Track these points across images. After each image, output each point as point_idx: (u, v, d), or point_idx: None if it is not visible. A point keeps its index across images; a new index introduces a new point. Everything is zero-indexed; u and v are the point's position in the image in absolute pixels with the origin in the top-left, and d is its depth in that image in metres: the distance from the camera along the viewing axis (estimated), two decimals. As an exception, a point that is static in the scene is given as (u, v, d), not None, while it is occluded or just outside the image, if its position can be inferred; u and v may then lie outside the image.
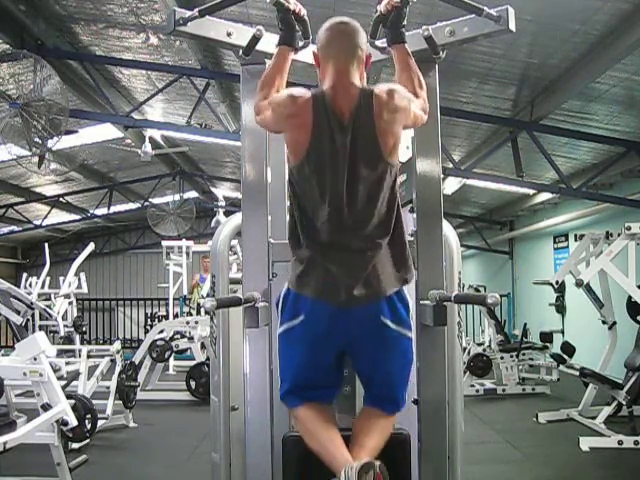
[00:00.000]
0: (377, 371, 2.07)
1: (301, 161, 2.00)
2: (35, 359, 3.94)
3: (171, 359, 8.68)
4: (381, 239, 2.02)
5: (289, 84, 2.18)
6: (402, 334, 2.04)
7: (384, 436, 2.06)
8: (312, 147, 1.97)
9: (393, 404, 2.10)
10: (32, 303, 7.59)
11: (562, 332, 9.16)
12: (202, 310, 7.64)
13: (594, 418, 5.74)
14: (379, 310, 2.00)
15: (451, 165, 7.25)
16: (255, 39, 2.24)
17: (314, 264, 2.01)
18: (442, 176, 2.40)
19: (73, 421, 3.89)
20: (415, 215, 2.34)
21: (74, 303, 10.56)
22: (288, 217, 2.11)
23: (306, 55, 2.42)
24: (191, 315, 9.38)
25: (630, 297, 6.01)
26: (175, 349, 7.82)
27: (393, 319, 2.02)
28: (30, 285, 10.38)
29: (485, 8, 2.18)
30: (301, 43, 2.29)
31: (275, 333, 2.15)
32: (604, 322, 6.53)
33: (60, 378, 4.82)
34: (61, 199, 12.11)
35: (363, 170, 1.97)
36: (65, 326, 9.73)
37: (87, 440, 5.02)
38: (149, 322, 13.08)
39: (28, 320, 8.39)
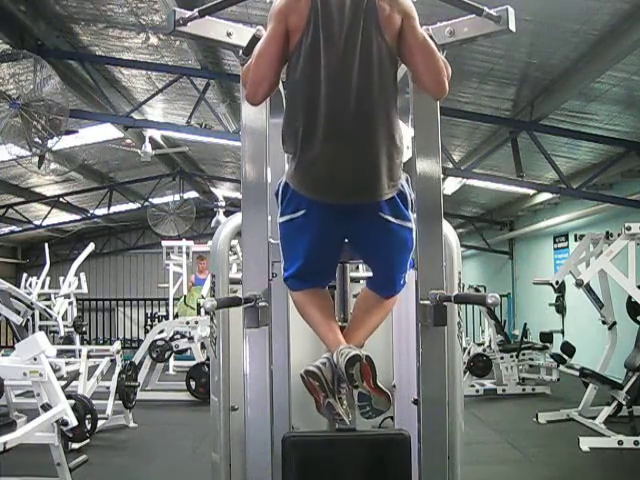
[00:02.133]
0: (375, 258, 2.14)
1: (301, 37, 1.94)
2: (35, 359, 3.94)
3: (171, 359, 8.69)
4: (379, 130, 1.97)
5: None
6: (402, 226, 2.07)
7: (381, 317, 2.18)
8: (312, 17, 1.91)
9: (390, 289, 2.16)
10: (32, 303, 7.61)
11: (562, 332, 9.17)
12: (202, 310, 7.63)
13: (594, 418, 5.74)
14: (378, 207, 2.02)
15: (451, 165, 7.25)
16: (255, 39, 2.24)
17: (311, 160, 1.98)
18: (442, 176, 2.40)
19: (73, 421, 3.89)
20: (415, 215, 2.34)
21: (74, 303, 10.56)
22: (285, 112, 2.06)
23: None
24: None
25: (630, 297, 6.01)
26: (175, 349, 7.83)
27: (393, 214, 2.03)
28: (30, 285, 10.39)
29: (485, 8, 2.18)
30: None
31: (277, 222, 2.16)
32: (604, 322, 6.53)
33: (60, 378, 4.82)
34: (61, 199, 12.11)
35: (361, 48, 1.91)
36: (65, 326, 9.73)
37: (87, 440, 5.03)
38: (149, 322, 13.09)
39: (28, 320, 8.41)
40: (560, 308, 9.91)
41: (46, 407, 3.88)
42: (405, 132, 2.37)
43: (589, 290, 6.45)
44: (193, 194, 13.48)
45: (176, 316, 9.74)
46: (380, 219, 2.03)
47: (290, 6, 1.97)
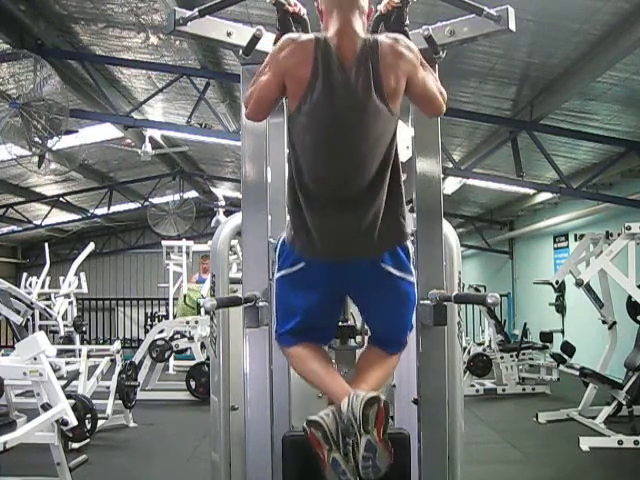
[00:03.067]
0: (378, 316, 2.10)
1: (300, 101, 1.94)
2: (35, 359, 3.94)
3: (171, 359, 8.69)
4: (379, 191, 1.97)
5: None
6: (404, 279, 2.04)
7: (386, 373, 2.12)
8: (312, 83, 1.92)
9: (395, 345, 2.12)
10: (32, 303, 7.61)
11: (562, 332, 9.18)
12: (202, 310, 7.62)
13: (594, 418, 5.74)
14: (380, 259, 1.99)
15: (451, 165, 7.25)
16: (255, 39, 2.24)
17: (310, 220, 1.97)
18: (442, 176, 2.40)
19: (73, 421, 3.89)
20: (415, 215, 2.34)
21: (74, 303, 10.56)
22: (287, 168, 2.06)
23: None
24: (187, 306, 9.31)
25: (630, 297, 6.01)
26: (175, 349, 7.82)
27: (395, 265, 2.01)
28: (30, 285, 10.38)
29: (485, 8, 2.18)
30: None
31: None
32: (604, 322, 6.53)
33: (60, 378, 4.82)
34: (61, 199, 12.11)
35: (363, 111, 1.93)
36: (65, 326, 9.73)
37: (87, 440, 5.02)
38: (149, 322, 13.08)
39: (28, 320, 8.40)
40: (560, 308, 9.91)
41: (46, 407, 3.88)
42: (405, 132, 2.37)
43: (589, 290, 6.45)
44: (193, 194, 13.48)
45: (175, 317, 9.72)
46: (382, 271, 1.99)
47: (289, 69, 1.96)
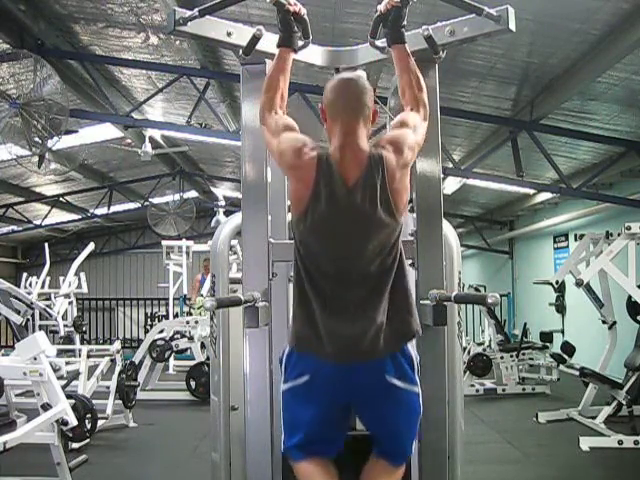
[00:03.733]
0: (384, 427, 2.06)
1: (302, 215, 1.99)
2: (35, 359, 3.94)
3: (171, 359, 8.69)
4: (384, 293, 1.99)
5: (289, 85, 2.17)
6: (409, 390, 2.01)
7: None
8: (313, 204, 1.96)
9: (399, 456, 2.09)
10: (32, 303, 7.60)
11: (562, 332, 9.17)
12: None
13: (594, 418, 5.74)
14: (383, 368, 1.97)
15: (451, 165, 7.25)
16: (255, 39, 2.24)
17: (316, 321, 1.98)
18: (442, 176, 2.40)
19: (73, 421, 3.89)
20: (415, 215, 2.34)
21: (74, 303, 10.56)
22: (293, 267, 2.08)
23: (306, 55, 2.42)
24: (191, 315, 9.37)
25: (630, 297, 6.01)
26: (175, 349, 7.82)
27: (399, 376, 1.99)
28: (30, 285, 10.39)
29: (485, 8, 2.18)
30: (301, 43, 2.29)
31: (277, 380, 2.16)
32: (604, 322, 6.53)
33: (60, 378, 4.82)
34: (61, 199, 12.11)
35: (369, 229, 1.96)
36: (65, 326, 9.74)
37: (87, 440, 5.02)
38: (149, 322, 13.08)
39: (28, 320, 8.40)
40: (560, 308, 9.90)
41: (46, 407, 3.88)
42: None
43: (589, 290, 6.45)
44: (193, 194, 13.47)
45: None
46: (385, 382, 1.97)
47: (292, 177, 2.04)
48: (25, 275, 11.12)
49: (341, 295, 1.98)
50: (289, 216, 2.40)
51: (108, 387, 5.75)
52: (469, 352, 7.99)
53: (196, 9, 2.19)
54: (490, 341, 8.44)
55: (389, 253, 2.00)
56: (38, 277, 10.16)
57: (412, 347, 2.06)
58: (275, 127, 2.08)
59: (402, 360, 2.00)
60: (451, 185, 9.06)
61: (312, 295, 2.00)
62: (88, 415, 4.70)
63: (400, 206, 2.00)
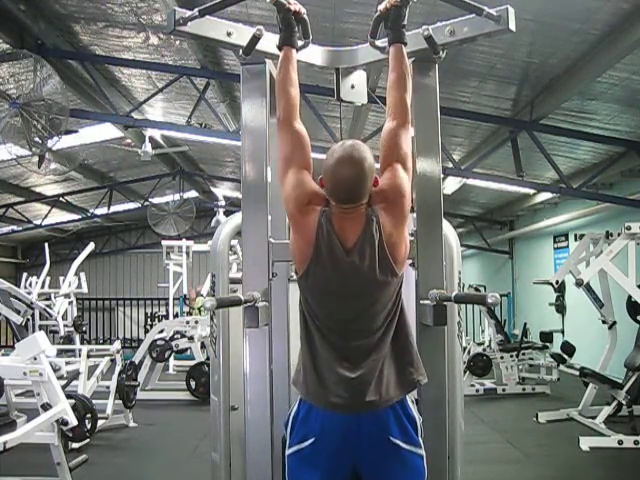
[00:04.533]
0: None
1: (304, 275, 2.00)
2: (35, 359, 3.94)
3: (171, 359, 8.69)
4: (387, 345, 2.01)
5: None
6: (413, 452, 1.99)
7: None
8: (314, 266, 1.97)
9: None
10: (32, 303, 7.61)
11: (562, 332, 9.18)
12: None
13: (594, 418, 5.74)
14: (387, 426, 1.96)
15: (451, 165, 7.25)
16: (255, 39, 2.24)
17: (322, 372, 2.00)
18: (442, 176, 2.40)
19: (73, 421, 3.89)
20: (415, 215, 2.34)
21: (74, 303, 10.57)
22: (299, 315, 2.09)
23: (306, 55, 2.42)
24: (191, 315, 9.39)
25: (630, 297, 6.01)
26: (175, 349, 7.83)
27: (402, 438, 1.97)
28: (30, 285, 10.39)
29: (485, 8, 2.18)
30: (301, 43, 2.29)
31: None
32: (604, 322, 6.54)
33: (60, 378, 4.82)
34: (61, 199, 12.11)
35: (369, 288, 1.97)
36: (65, 326, 9.74)
37: (87, 440, 5.02)
38: (149, 322, 13.09)
39: (28, 320, 8.41)
40: (560, 308, 9.91)
41: (46, 407, 3.88)
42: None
43: (589, 290, 6.45)
44: (193, 194, 13.48)
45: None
46: (390, 444, 1.96)
47: (295, 230, 2.03)
48: (25, 275, 11.13)
49: (346, 347, 1.99)
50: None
51: (108, 387, 5.76)
52: (469, 352, 8.00)
53: (196, 9, 2.19)
54: (490, 341, 8.44)
55: (391, 308, 2.01)
56: (38, 277, 10.16)
57: (414, 408, 2.05)
58: (291, 147, 2.08)
59: (405, 420, 1.99)
60: (451, 185, 9.06)
61: (318, 345, 2.02)
62: (88, 415, 4.71)
63: (399, 260, 1.99)
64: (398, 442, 1.96)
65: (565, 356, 7.06)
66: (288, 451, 2.05)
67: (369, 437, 1.96)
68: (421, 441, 2.02)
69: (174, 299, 10.70)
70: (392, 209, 2.00)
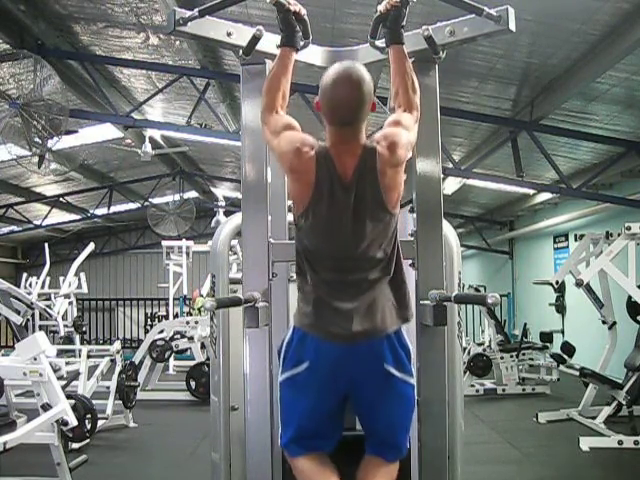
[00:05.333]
0: (379, 418, 2.06)
1: (303, 214, 2.02)
2: (35, 359, 3.94)
3: (171, 359, 8.69)
4: (382, 280, 2.05)
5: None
6: (405, 381, 2.03)
7: None
8: (314, 202, 1.99)
9: (395, 451, 2.09)
10: (32, 303, 7.61)
11: (562, 332, 9.17)
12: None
13: (594, 418, 5.74)
14: (382, 354, 1.99)
15: (451, 165, 7.24)
16: (255, 39, 2.24)
17: (319, 303, 2.03)
18: (442, 176, 2.40)
19: (73, 421, 3.89)
20: (415, 215, 2.34)
21: (74, 303, 10.57)
22: (295, 254, 2.11)
23: (306, 55, 2.42)
24: (191, 315, 9.38)
25: (630, 297, 6.01)
26: (175, 349, 7.83)
27: (396, 366, 2.01)
28: (30, 285, 10.39)
29: (485, 8, 2.18)
30: (302, 43, 2.29)
31: (276, 380, 2.15)
32: (604, 322, 6.53)
33: (60, 378, 4.82)
34: (61, 199, 12.11)
35: (366, 223, 1.99)
36: (65, 326, 9.74)
37: (87, 440, 5.02)
38: (149, 322, 13.09)
39: (28, 320, 8.41)
40: (560, 308, 9.90)
41: (46, 407, 3.88)
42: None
43: (589, 290, 6.45)
44: (193, 194, 13.47)
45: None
46: (383, 371, 1.99)
47: (293, 177, 2.05)
48: (25, 275, 11.13)
49: (342, 281, 2.03)
50: (289, 216, 2.40)
51: (108, 387, 5.76)
52: (469, 352, 7.99)
53: (196, 9, 2.19)
54: (490, 341, 8.44)
55: (387, 246, 2.04)
56: (38, 277, 10.16)
57: (408, 338, 2.09)
58: (275, 127, 2.08)
59: (399, 349, 2.02)
60: (451, 185, 9.06)
61: (315, 283, 2.04)
62: (88, 415, 4.70)
63: (392, 201, 2.01)
64: (392, 370, 2.00)
65: (565, 356, 7.05)
66: (281, 378, 2.08)
67: (363, 365, 1.99)
68: (413, 370, 2.07)
69: (174, 299, 10.70)
70: (390, 153, 2.00)
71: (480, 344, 8.90)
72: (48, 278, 10.26)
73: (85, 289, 10.42)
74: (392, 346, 2.01)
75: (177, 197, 11.86)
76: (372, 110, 2.04)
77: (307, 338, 2.02)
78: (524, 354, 8.11)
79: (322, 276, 2.04)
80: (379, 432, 2.08)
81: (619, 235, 5.89)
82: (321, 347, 2.00)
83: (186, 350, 8.49)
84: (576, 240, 7.51)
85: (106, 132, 8.74)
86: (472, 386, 7.61)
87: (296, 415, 2.04)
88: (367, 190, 1.98)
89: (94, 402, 4.94)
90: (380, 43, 2.38)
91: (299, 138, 2.04)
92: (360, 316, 1.98)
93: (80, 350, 6.10)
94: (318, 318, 2.02)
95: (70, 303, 10.30)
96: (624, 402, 5.67)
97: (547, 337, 8.22)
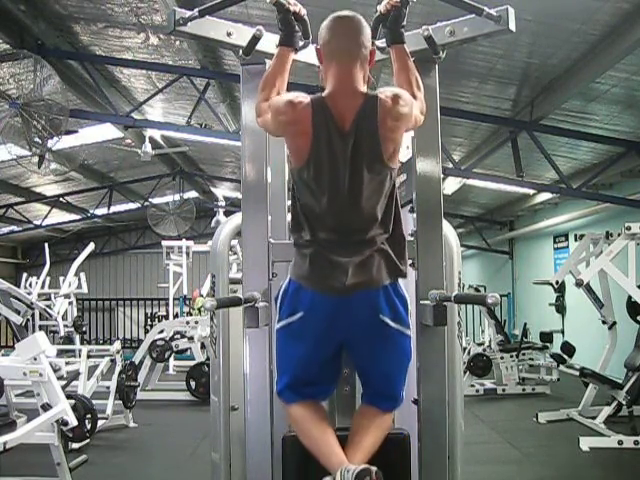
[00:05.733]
0: (375, 368, 2.08)
1: (302, 166, 2.00)
2: (35, 359, 3.94)
3: (171, 359, 8.69)
4: (380, 237, 2.04)
5: (288, 85, 2.17)
6: (401, 332, 2.04)
7: (381, 435, 2.07)
8: (312, 154, 1.98)
9: (390, 401, 2.10)
10: (32, 303, 7.61)
11: (562, 332, 9.18)
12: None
13: (594, 418, 5.74)
14: (377, 305, 2.00)
15: (451, 165, 7.25)
16: (255, 39, 2.24)
17: (315, 257, 2.02)
18: (442, 176, 2.40)
19: (73, 421, 3.89)
20: (415, 215, 2.34)
21: (74, 303, 10.57)
22: (291, 208, 2.11)
23: (306, 55, 2.42)
24: (191, 315, 9.38)
25: (630, 297, 6.01)
26: (175, 349, 7.83)
27: (392, 317, 2.01)
28: (30, 285, 10.39)
29: (485, 8, 2.18)
30: (301, 43, 2.29)
31: (273, 329, 2.16)
32: (604, 322, 6.54)
33: (60, 378, 4.82)
34: (61, 199, 12.11)
35: (364, 175, 1.98)
36: (65, 326, 9.74)
37: (87, 440, 5.02)
38: (149, 322, 13.09)
39: (28, 320, 8.41)
40: (560, 308, 9.90)
41: (46, 407, 3.88)
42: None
43: (589, 290, 6.45)
44: (193, 194, 13.47)
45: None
46: (380, 322, 2.00)
47: (288, 133, 2.03)
48: (25, 275, 11.13)
49: (340, 238, 2.01)
50: (289, 216, 2.39)
51: (108, 387, 5.76)
52: (469, 352, 7.99)
53: (196, 9, 2.19)
54: (490, 341, 8.44)
55: (385, 202, 2.03)
56: (38, 277, 10.16)
57: (406, 291, 2.09)
58: (266, 107, 2.08)
59: (396, 299, 2.02)
60: (451, 185, 9.06)
61: (312, 238, 2.03)
62: (88, 415, 4.70)
63: (388, 152, 1.99)
64: (387, 321, 2.00)
65: (565, 356, 7.06)
66: (277, 326, 2.09)
67: (358, 315, 2.00)
68: (410, 322, 2.07)
69: (174, 299, 10.70)
70: (393, 103, 1.98)
71: (480, 344, 8.91)
72: (48, 278, 10.26)
73: (85, 289, 10.42)
74: (388, 297, 2.01)
75: (177, 197, 11.87)
76: (371, 62, 2.05)
77: (302, 290, 2.03)
78: (524, 354, 8.11)
79: (320, 232, 2.02)
80: (374, 382, 2.10)
81: (619, 235, 5.89)
82: (316, 299, 2.00)
83: (186, 350, 8.49)
84: (576, 240, 7.51)
85: (106, 132, 8.74)
86: (472, 386, 7.61)
87: (291, 363, 2.07)
88: (365, 139, 1.96)
89: (94, 402, 4.94)
90: (380, 43, 2.38)
91: (290, 94, 2.05)
92: (356, 269, 1.97)
93: (80, 350, 6.10)
94: (313, 272, 2.01)
95: (70, 303, 10.30)
96: (624, 402, 5.67)
97: (547, 337, 8.22)
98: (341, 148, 1.97)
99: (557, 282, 6.82)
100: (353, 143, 1.97)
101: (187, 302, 10.93)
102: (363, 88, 2.03)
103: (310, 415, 2.05)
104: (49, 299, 10.13)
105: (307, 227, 2.05)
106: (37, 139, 5.96)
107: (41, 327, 9.68)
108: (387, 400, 2.09)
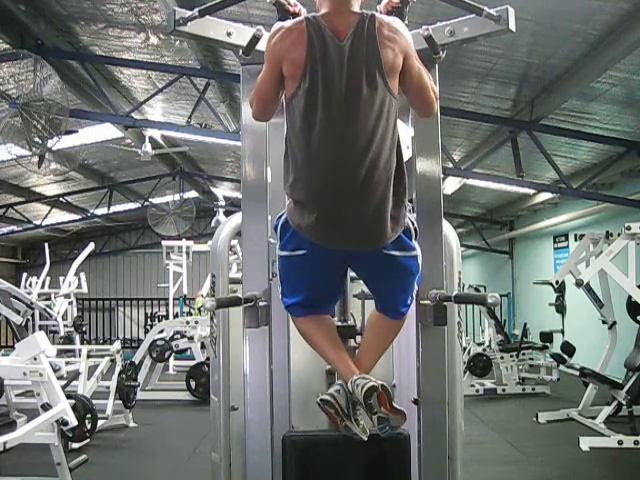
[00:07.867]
0: (380, 287, 2.12)
1: (299, 81, 1.91)
2: (35, 359, 3.94)
3: (171, 359, 8.69)
4: (383, 175, 1.92)
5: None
6: (406, 256, 2.03)
7: (391, 338, 2.18)
8: (308, 62, 1.89)
9: (396, 313, 2.12)
10: (32, 303, 7.61)
11: (562, 332, 9.16)
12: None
13: (594, 418, 5.75)
14: (381, 248, 1.99)
15: (451, 165, 7.25)
16: (255, 39, 2.24)
17: (312, 205, 1.94)
18: (442, 176, 2.40)
19: (73, 421, 3.89)
20: (415, 215, 2.34)
21: (74, 303, 10.58)
22: (283, 158, 2.04)
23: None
24: (191, 315, 9.39)
25: (630, 297, 6.01)
26: (175, 349, 7.83)
27: (397, 248, 2.00)
28: (30, 285, 10.40)
29: (485, 8, 2.18)
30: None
31: (275, 263, 2.16)
32: (604, 322, 6.54)
33: (60, 378, 4.82)
34: (61, 199, 12.12)
35: (362, 89, 1.88)
36: (65, 326, 9.75)
37: (87, 440, 5.02)
38: (149, 322, 13.10)
39: (28, 320, 8.40)
40: (560, 308, 9.89)
41: (46, 407, 3.88)
42: (405, 132, 2.37)
43: (589, 290, 6.45)
44: (193, 194, 13.48)
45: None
46: (384, 255, 1.99)
47: (284, 53, 1.93)
48: (25, 275, 11.13)
49: (336, 177, 1.91)
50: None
51: (108, 387, 5.76)
52: (469, 352, 8.00)
53: (196, 9, 2.19)
54: (490, 341, 8.44)
55: (385, 130, 1.91)
56: (38, 277, 10.17)
57: (409, 215, 2.07)
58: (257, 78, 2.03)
59: (401, 235, 2.00)
60: (451, 185, 9.06)
61: (307, 178, 1.95)
62: (88, 415, 4.71)
63: (391, 70, 1.90)
64: (392, 252, 1.99)
65: (565, 356, 7.05)
66: (280, 252, 2.08)
67: (363, 255, 2.01)
68: (416, 244, 2.05)
69: (174, 299, 10.70)
70: (389, 26, 1.93)
71: (480, 344, 8.91)
72: (48, 278, 10.27)
73: (85, 289, 10.43)
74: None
75: (177, 197, 11.87)
76: None
77: (301, 234, 1.99)
78: (524, 354, 8.11)
79: (314, 173, 1.93)
80: (381, 297, 2.14)
81: (619, 235, 5.89)
82: (316, 245, 1.98)
83: (186, 350, 8.49)
84: (576, 240, 7.51)
85: (106, 132, 8.75)
86: (472, 386, 7.61)
87: (296, 288, 2.09)
88: (363, 44, 1.88)
89: (94, 402, 4.94)
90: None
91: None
92: (359, 227, 1.93)
93: (80, 350, 6.10)
94: (312, 223, 1.93)
95: (70, 303, 10.31)
96: (624, 402, 5.67)
97: (547, 337, 8.22)
98: (338, 56, 1.88)
99: (557, 282, 6.82)
100: (349, 51, 1.88)
101: (187, 302, 10.94)
102: (358, 10, 1.97)
103: (320, 327, 2.12)
104: (49, 299, 10.14)
105: (300, 167, 1.95)
106: (37, 139, 5.97)
107: (41, 327, 9.68)
108: (394, 312, 2.12)
